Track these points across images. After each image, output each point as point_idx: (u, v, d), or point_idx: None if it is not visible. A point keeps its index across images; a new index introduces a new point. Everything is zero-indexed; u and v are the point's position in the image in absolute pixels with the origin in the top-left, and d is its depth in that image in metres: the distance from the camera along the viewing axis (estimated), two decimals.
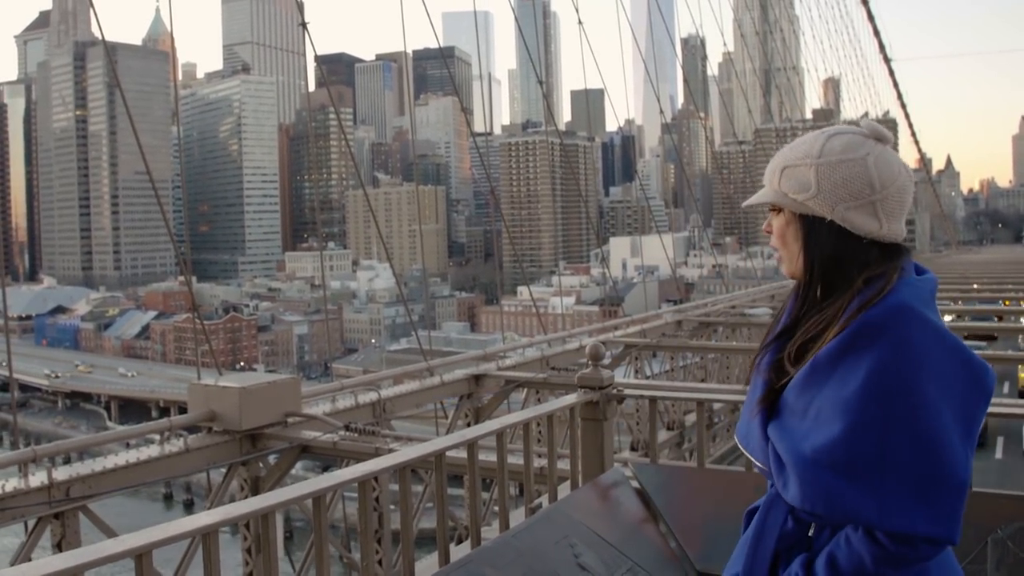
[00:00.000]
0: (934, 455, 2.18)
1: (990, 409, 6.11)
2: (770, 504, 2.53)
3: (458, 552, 4.15)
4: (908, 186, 2.43)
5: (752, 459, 2.57)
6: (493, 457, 5.01)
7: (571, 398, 5.89)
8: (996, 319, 42.27)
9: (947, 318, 27.03)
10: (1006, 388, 37.96)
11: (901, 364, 2.23)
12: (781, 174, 2.49)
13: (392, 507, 9.82)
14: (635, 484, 5.61)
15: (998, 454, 27.85)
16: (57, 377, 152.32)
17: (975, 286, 38.01)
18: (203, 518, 3.25)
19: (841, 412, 2.27)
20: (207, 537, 3.26)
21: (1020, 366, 34.40)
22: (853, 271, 2.40)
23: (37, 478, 7.93)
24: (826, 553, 2.36)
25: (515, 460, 5.26)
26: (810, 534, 2.45)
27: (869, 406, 2.23)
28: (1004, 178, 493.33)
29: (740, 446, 2.64)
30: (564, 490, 5.56)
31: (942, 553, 2.33)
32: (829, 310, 2.42)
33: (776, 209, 2.54)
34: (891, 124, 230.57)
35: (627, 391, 6.52)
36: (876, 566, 2.26)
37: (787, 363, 2.48)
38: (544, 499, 5.42)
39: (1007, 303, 34.87)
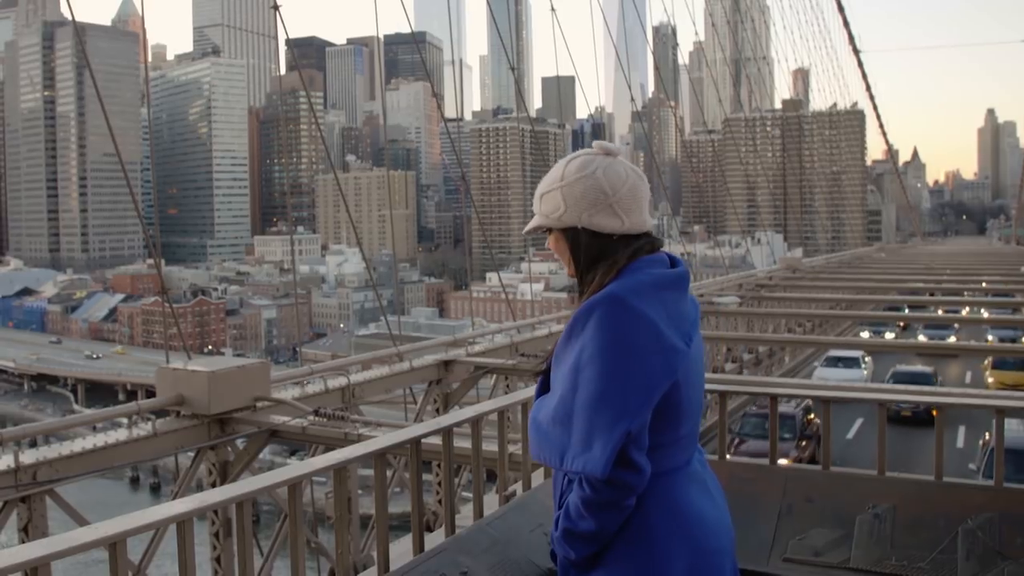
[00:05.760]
0: (599, 413, 2.61)
1: (953, 400, 6.13)
2: (557, 472, 2.98)
3: (432, 540, 4.14)
4: (639, 184, 2.88)
5: None
6: (465, 443, 5.00)
7: None
8: (955, 327, 42.73)
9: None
10: (968, 378, 38.31)
11: (594, 341, 2.65)
12: (540, 201, 2.94)
13: (360, 492, 9.80)
14: None
15: (959, 443, 28.06)
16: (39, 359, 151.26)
17: (942, 278, 38.31)
18: (177, 506, 3.22)
19: (558, 387, 2.75)
20: (182, 525, 3.23)
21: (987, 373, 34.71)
22: (604, 266, 2.85)
23: (3, 461, 7.87)
24: (564, 505, 2.86)
25: (488, 447, 5.24)
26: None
27: (569, 376, 2.70)
28: (969, 170, 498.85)
29: None
30: (538, 478, 5.55)
31: (674, 503, 2.78)
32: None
33: (548, 229, 2.96)
34: (859, 115, 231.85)
35: None
36: (585, 508, 2.73)
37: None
38: (518, 487, 5.41)
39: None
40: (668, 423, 2.77)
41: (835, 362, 34.30)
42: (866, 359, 36.04)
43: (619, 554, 2.77)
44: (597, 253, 2.85)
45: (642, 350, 2.64)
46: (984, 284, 35.84)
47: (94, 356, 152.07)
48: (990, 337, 37.89)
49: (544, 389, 2.92)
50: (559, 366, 2.77)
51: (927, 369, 33.74)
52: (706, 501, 2.86)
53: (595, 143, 2.92)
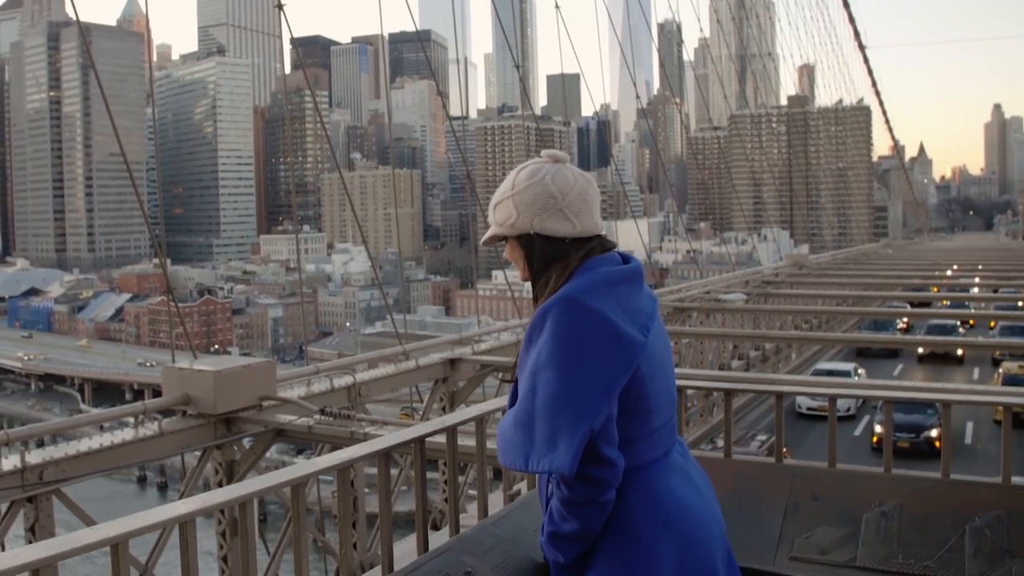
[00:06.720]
0: (560, 412, 2.66)
1: (959, 397, 6.09)
2: (540, 477, 3.08)
3: (436, 539, 4.14)
4: (587, 188, 2.96)
5: None
6: (470, 442, 4.99)
7: None
8: (960, 324, 42.55)
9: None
10: (976, 374, 38.22)
11: (549, 343, 2.71)
12: (494, 211, 3.03)
13: (366, 490, 9.79)
14: None
15: (967, 439, 28.05)
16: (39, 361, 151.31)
17: (947, 272, 38.19)
18: (181, 506, 3.22)
19: (520, 391, 2.81)
20: (185, 526, 3.23)
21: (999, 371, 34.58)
22: (557, 269, 2.92)
23: (10, 462, 7.86)
24: (548, 509, 2.93)
25: (493, 445, 5.23)
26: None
27: (528, 380, 2.75)
28: (976, 165, 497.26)
29: None
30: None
31: (655, 495, 2.83)
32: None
33: (503, 238, 3.03)
34: (865, 111, 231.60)
35: None
36: (566, 509, 2.79)
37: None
38: (523, 485, 5.39)
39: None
40: (638, 417, 2.82)
41: (825, 375, 34.05)
42: (859, 371, 35.91)
43: (606, 553, 2.82)
44: (551, 257, 2.93)
45: (598, 345, 2.70)
46: (992, 280, 35.75)
47: (147, 364, 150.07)
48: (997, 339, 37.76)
49: (515, 399, 2.94)
50: (521, 373, 2.83)
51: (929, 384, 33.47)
52: (690, 491, 2.91)
53: (543, 152, 3.05)
